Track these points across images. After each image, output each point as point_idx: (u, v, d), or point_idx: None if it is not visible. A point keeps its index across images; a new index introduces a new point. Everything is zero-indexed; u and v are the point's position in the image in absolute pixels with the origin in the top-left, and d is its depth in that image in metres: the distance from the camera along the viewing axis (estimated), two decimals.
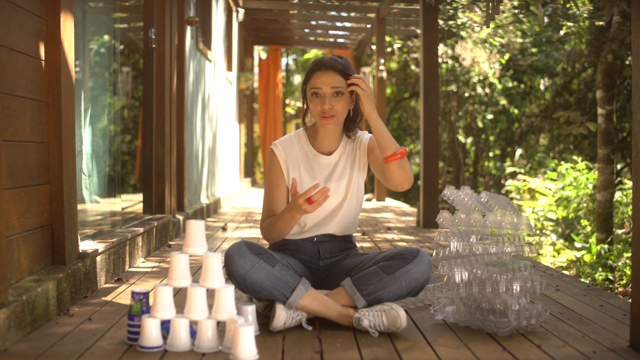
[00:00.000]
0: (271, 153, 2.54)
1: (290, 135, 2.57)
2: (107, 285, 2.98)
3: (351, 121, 2.54)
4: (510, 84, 11.65)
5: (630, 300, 2.16)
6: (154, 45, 4.39)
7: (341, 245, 2.56)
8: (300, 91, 2.53)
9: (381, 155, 2.39)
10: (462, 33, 10.57)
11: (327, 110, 2.39)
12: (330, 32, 11.96)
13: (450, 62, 11.11)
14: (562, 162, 9.98)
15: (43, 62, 2.48)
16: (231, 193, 8.65)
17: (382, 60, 8.76)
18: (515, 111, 11.55)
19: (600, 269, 5.71)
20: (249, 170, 12.67)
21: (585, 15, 7.74)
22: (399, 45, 11.87)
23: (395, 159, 2.34)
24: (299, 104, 20.60)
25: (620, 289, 5.45)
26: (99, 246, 2.92)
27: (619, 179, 8.17)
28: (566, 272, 5.25)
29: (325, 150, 2.54)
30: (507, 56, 11.37)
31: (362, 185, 2.58)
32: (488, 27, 3.97)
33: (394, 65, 13.30)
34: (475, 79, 11.29)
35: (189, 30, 5.47)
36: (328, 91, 2.39)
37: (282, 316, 2.20)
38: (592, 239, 6.39)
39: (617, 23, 6.30)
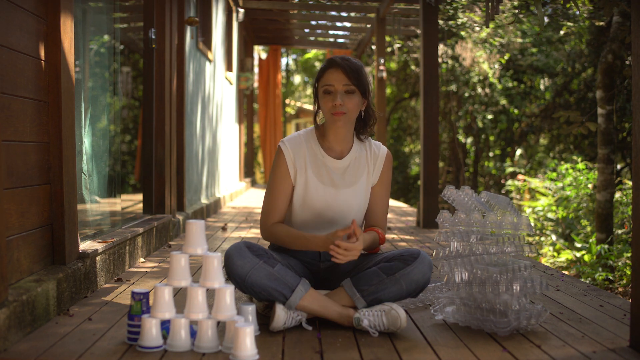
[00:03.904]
0: (278, 151, 2.46)
1: (299, 133, 2.50)
2: (107, 285, 2.98)
3: (363, 123, 2.50)
4: (510, 84, 11.65)
5: (630, 300, 2.16)
6: (154, 45, 4.39)
7: None
8: (312, 91, 2.50)
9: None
10: (462, 33, 10.57)
11: (338, 107, 2.34)
12: (330, 32, 11.97)
13: (450, 62, 11.11)
14: (562, 162, 9.98)
15: (43, 62, 2.48)
16: (231, 193, 8.65)
17: (382, 60, 8.76)
18: (515, 111, 11.55)
19: (600, 269, 5.71)
20: (249, 170, 12.68)
21: (585, 15, 7.75)
22: (399, 45, 11.87)
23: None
24: (299, 104, 20.60)
25: (620, 289, 5.45)
26: (99, 246, 2.92)
27: (619, 179, 8.17)
28: (566, 272, 5.25)
29: (336, 153, 2.48)
30: (507, 56, 11.37)
31: (369, 193, 2.52)
32: (488, 27, 3.97)
33: (394, 65, 13.30)
34: (475, 79, 11.29)
35: (189, 30, 5.47)
36: (340, 88, 2.35)
37: (281, 316, 2.20)
38: (592, 239, 6.39)
39: (617, 23, 6.30)
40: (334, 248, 2.21)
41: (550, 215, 8.11)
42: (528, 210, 8.45)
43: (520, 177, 10.47)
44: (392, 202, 9.06)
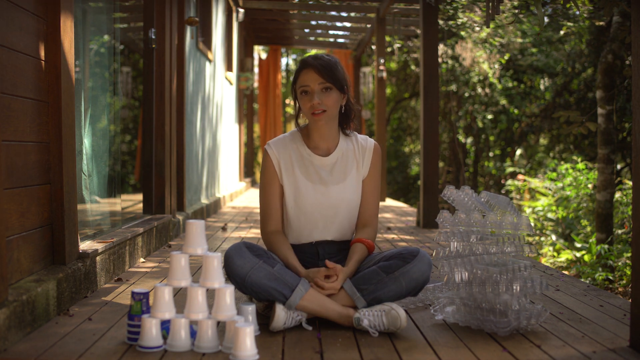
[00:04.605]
0: (264, 154, 2.51)
1: (284, 135, 2.54)
2: (107, 285, 2.98)
3: (346, 117, 2.52)
4: (510, 84, 11.65)
5: (630, 300, 2.16)
6: (154, 45, 4.39)
7: (340, 245, 2.55)
8: (291, 93, 2.52)
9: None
10: (462, 33, 10.57)
11: (316, 106, 2.37)
12: (330, 32, 11.96)
13: (450, 62, 11.11)
14: (562, 162, 9.98)
15: (43, 62, 2.48)
16: (231, 193, 8.65)
17: (382, 60, 8.76)
18: (515, 111, 11.55)
19: (600, 269, 5.71)
20: (249, 170, 12.67)
21: (585, 15, 7.75)
22: (399, 45, 11.87)
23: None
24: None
25: (620, 289, 5.45)
26: (99, 246, 2.92)
27: (619, 179, 8.17)
28: (566, 272, 5.25)
29: (322, 151, 2.51)
30: (507, 56, 11.37)
31: (360, 187, 2.54)
32: (488, 27, 3.97)
33: (394, 65, 13.30)
34: (475, 79, 11.30)
35: (189, 30, 5.46)
36: (316, 87, 2.38)
37: (281, 316, 2.20)
38: (592, 239, 6.39)
39: (617, 23, 6.30)
40: (316, 285, 2.30)
41: (550, 215, 8.11)
42: (528, 210, 8.45)
43: (520, 177, 10.47)
44: (392, 202, 9.05)
